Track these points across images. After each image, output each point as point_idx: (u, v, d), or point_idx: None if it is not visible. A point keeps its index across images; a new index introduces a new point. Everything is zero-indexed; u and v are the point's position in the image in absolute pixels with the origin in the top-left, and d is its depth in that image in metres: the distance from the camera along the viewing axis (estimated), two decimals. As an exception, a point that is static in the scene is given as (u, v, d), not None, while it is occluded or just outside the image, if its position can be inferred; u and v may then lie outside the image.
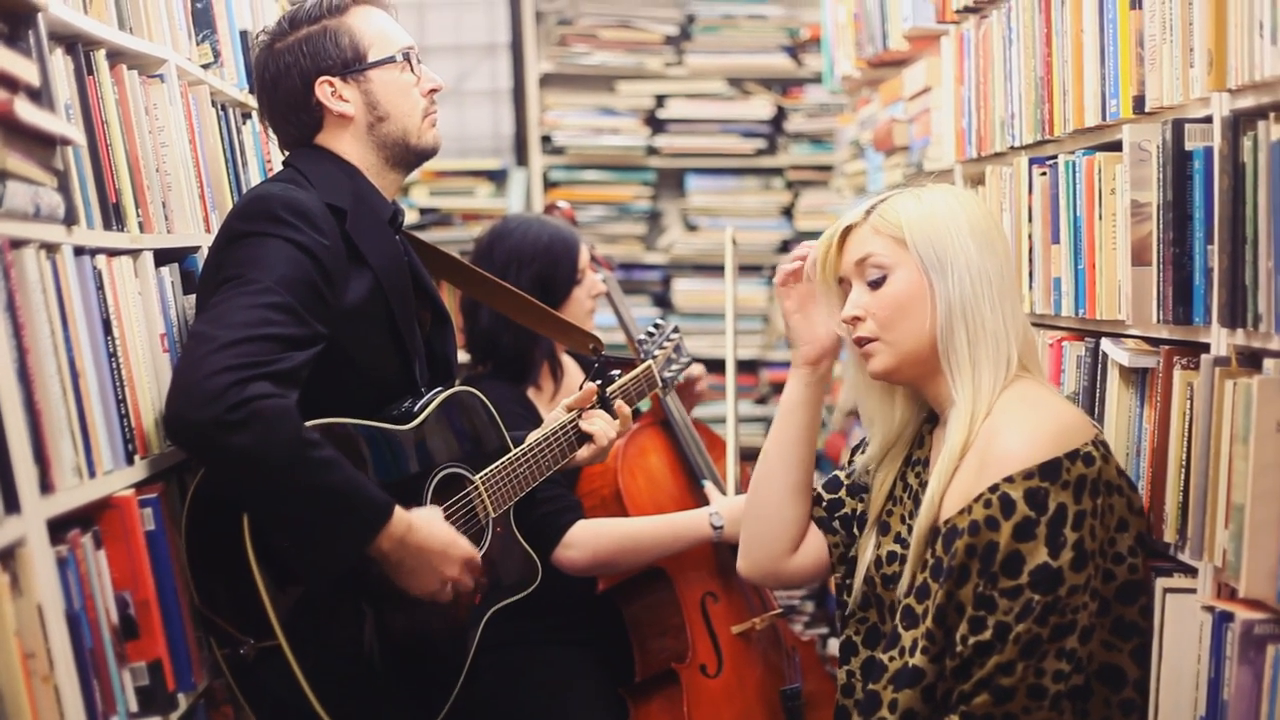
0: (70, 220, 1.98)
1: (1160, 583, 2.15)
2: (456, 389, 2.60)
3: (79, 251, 2.01)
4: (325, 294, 2.31)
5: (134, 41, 2.39)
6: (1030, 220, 2.72)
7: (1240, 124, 1.96)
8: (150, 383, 2.22)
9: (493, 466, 2.56)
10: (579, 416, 2.72)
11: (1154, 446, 2.24)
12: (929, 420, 2.38)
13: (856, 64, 4.37)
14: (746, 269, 5.38)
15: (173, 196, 2.47)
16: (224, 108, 2.87)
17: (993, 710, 2.10)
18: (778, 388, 5.23)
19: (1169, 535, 2.18)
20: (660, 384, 3.15)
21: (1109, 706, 2.18)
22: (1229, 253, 1.98)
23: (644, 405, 3.32)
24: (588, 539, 3.06)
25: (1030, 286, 2.72)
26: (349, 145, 2.51)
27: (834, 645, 3.82)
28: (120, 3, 2.37)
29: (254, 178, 3.02)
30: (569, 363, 3.47)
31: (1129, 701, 2.18)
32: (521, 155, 5.53)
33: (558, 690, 3.14)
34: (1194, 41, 2.09)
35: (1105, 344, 2.39)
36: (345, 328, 2.36)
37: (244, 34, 3.07)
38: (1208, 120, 2.08)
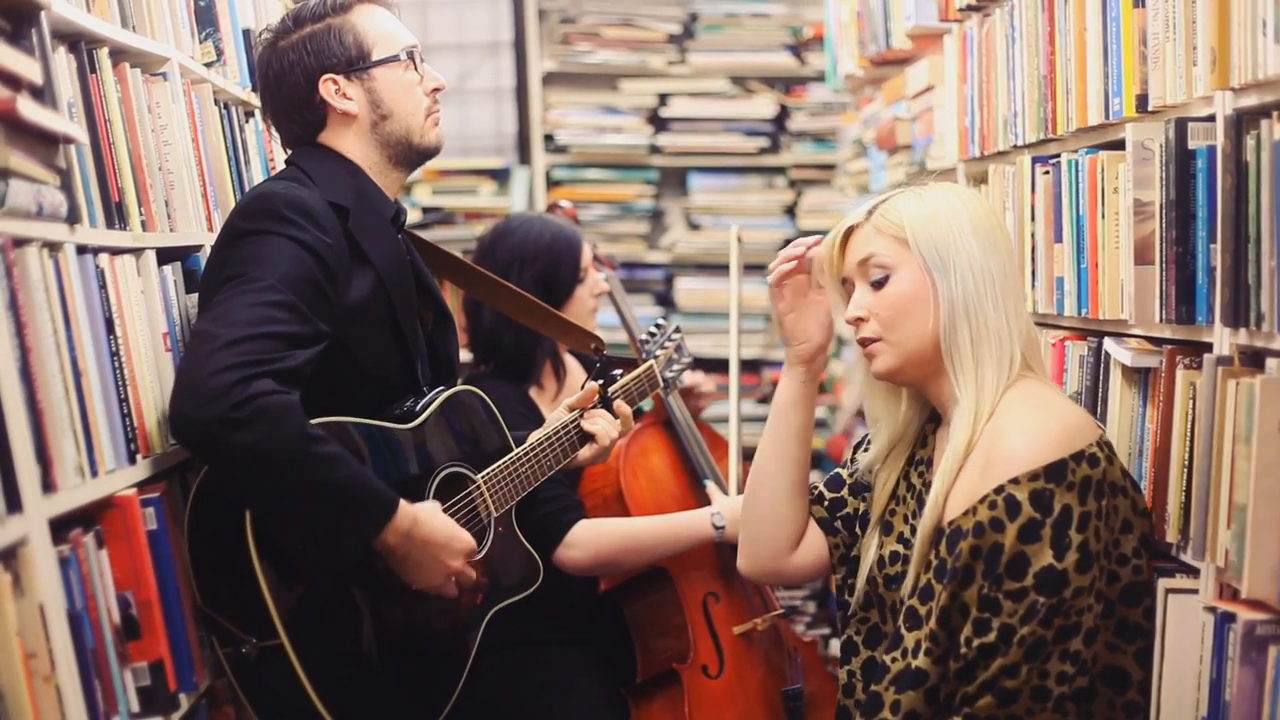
0: (73, 219, 1.98)
1: (1162, 583, 2.15)
2: (458, 388, 2.60)
3: (81, 250, 2.01)
4: (328, 292, 2.31)
5: (137, 40, 2.39)
6: (1033, 219, 2.72)
7: (1243, 123, 1.96)
8: (153, 382, 2.22)
9: (494, 466, 2.56)
10: (581, 416, 2.72)
11: (1156, 446, 2.23)
12: (932, 420, 2.38)
13: (859, 62, 4.37)
14: (749, 268, 5.35)
15: (175, 195, 2.47)
16: (227, 106, 2.87)
17: (996, 712, 2.10)
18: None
19: (1171, 535, 2.18)
20: (662, 384, 3.15)
21: (1113, 708, 2.18)
22: (1232, 252, 1.97)
23: (646, 405, 3.32)
24: (589, 539, 3.06)
25: (1033, 286, 2.72)
26: (352, 144, 2.51)
27: (836, 646, 3.82)
28: (123, 1, 2.37)
29: (256, 176, 3.02)
30: (571, 362, 3.47)
31: (1133, 703, 2.17)
32: (524, 154, 5.53)
33: (559, 690, 3.14)
34: (1197, 40, 2.09)
35: (1108, 343, 2.39)
36: (348, 326, 2.36)
37: (247, 32, 3.07)
38: (1211, 119, 2.08)
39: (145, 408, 2.18)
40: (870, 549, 2.39)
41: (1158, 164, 2.20)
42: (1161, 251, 2.20)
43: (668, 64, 5.46)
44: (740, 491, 3.26)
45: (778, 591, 3.46)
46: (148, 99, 2.40)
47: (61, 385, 1.87)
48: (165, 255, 2.39)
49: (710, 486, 3.28)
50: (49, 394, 1.82)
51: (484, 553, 2.50)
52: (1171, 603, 2.12)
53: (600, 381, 2.78)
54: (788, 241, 5.30)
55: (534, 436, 2.67)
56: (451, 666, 2.47)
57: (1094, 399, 2.44)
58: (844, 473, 2.50)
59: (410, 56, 2.52)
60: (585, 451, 2.73)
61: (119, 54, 2.32)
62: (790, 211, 5.55)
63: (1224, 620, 1.95)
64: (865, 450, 2.46)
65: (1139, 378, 2.31)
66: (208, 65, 2.81)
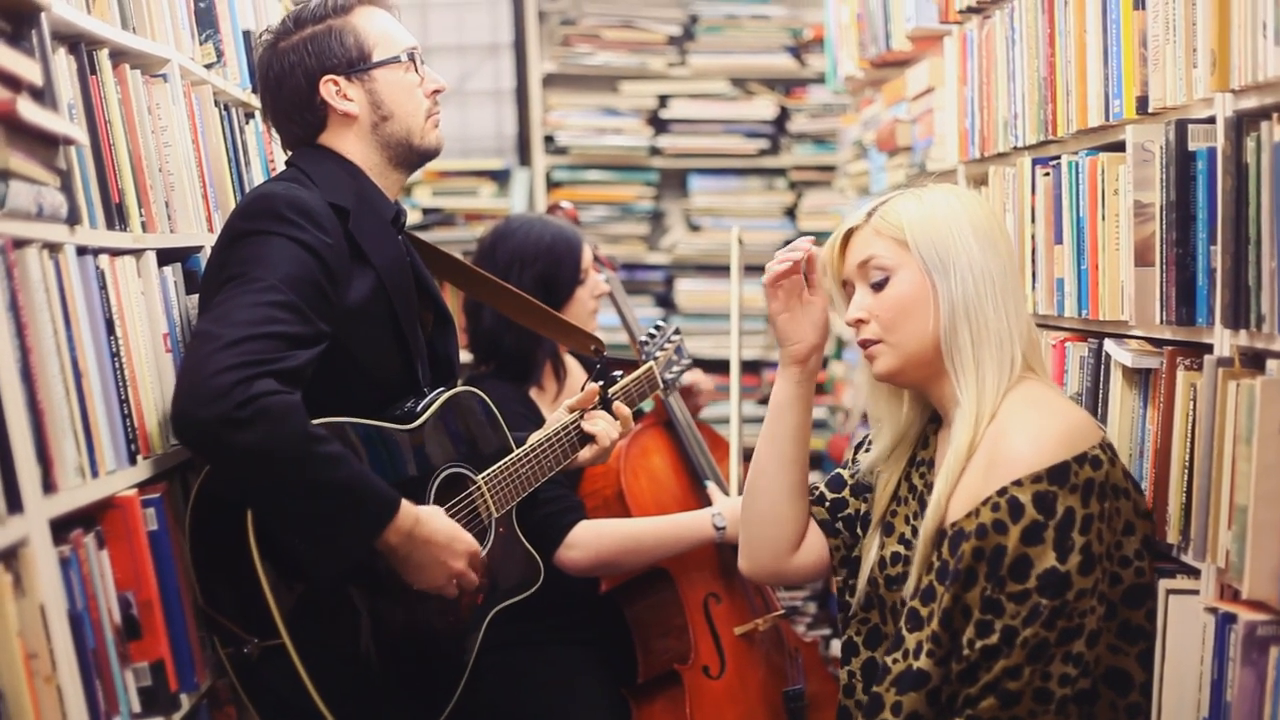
0: (73, 220, 1.98)
1: (1163, 584, 2.15)
2: (459, 389, 2.60)
3: (82, 251, 2.01)
4: (329, 293, 2.31)
5: (137, 41, 2.39)
6: (1033, 221, 2.72)
7: (1243, 125, 1.96)
8: (153, 383, 2.22)
9: (495, 467, 2.57)
10: (581, 417, 2.72)
11: (1157, 447, 2.23)
12: (933, 421, 2.38)
13: (859, 64, 4.37)
14: (750, 269, 5.35)
15: (175, 196, 2.47)
16: (227, 107, 2.88)
17: (999, 714, 2.10)
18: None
19: (1172, 536, 2.18)
20: (662, 385, 3.15)
21: (1115, 710, 2.18)
22: (1232, 253, 1.97)
23: (646, 406, 3.32)
24: (590, 539, 3.06)
25: (1033, 287, 2.72)
26: (352, 145, 2.51)
27: (837, 646, 3.82)
28: (123, 2, 2.37)
29: (257, 177, 3.02)
30: (572, 363, 3.47)
31: (1135, 705, 2.17)
32: (524, 155, 5.53)
33: (560, 691, 3.14)
34: (1197, 42, 2.09)
35: (1108, 345, 2.39)
36: (348, 327, 2.36)
37: (247, 34, 3.07)
38: (1211, 121, 2.08)
39: (146, 408, 2.18)
40: (871, 550, 2.39)
41: (1158, 166, 2.20)
42: (1162, 253, 2.20)
43: (668, 66, 5.46)
44: (741, 492, 3.26)
45: (779, 592, 3.46)
46: (148, 100, 2.40)
47: (62, 386, 1.87)
48: (165, 256, 2.39)
49: (711, 487, 3.28)
50: (49, 394, 1.82)
51: (484, 553, 2.50)
52: (1172, 604, 2.12)
53: (600, 383, 2.78)
54: (788, 243, 5.33)
55: (534, 437, 2.67)
56: (452, 667, 2.47)
57: (1094, 400, 2.44)
58: (845, 473, 2.49)
59: (411, 58, 2.53)
60: (586, 452, 2.73)
61: (119, 55, 2.32)
62: (790, 213, 5.55)
63: (1225, 621, 1.95)
64: (866, 451, 2.46)
65: (1139, 379, 2.31)
66: (208, 67, 2.81)
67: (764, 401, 5.47)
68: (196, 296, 2.44)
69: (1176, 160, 2.13)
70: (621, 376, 2.90)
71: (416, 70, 2.53)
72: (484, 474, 2.54)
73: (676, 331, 3.32)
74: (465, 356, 3.31)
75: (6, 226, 1.77)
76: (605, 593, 3.22)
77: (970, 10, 3.12)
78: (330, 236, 2.34)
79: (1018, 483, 2.10)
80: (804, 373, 2.43)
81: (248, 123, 3.04)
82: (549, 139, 5.47)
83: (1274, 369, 1.90)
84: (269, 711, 2.29)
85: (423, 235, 2.82)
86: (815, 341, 2.42)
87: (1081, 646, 2.09)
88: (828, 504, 2.47)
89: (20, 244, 1.80)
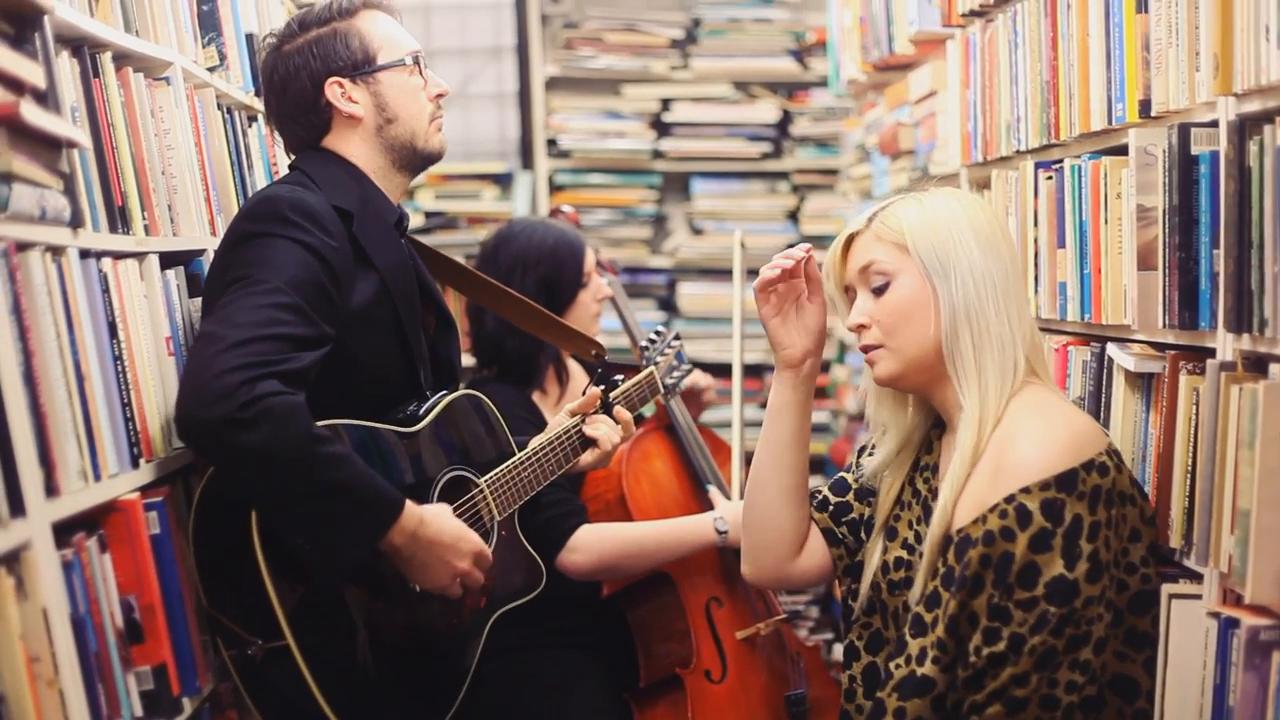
0: (76, 223, 1.98)
1: (1166, 588, 2.15)
2: (461, 392, 2.61)
3: (84, 254, 2.01)
4: (333, 295, 2.32)
5: (140, 44, 2.39)
6: (1036, 224, 2.72)
7: (1246, 128, 1.96)
8: (156, 386, 2.22)
9: (498, 470, 2.57)
10: (583, 421, 2.72)
11: (1159, 452, 2.23)
12: (937, 426, 2.37)
13: (862, 68, 4.37)
14: (752, 273, 5.34)
15: (178, 199, 2.47)
16: (230, 110, 2.88)
17: (1004, 720, 2.10)
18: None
19: (1175, 541, 2.18)
20: (662, 390, 3.14)
21: (1122, 717, 2.17)
22: (1235, 257, 1.97)
23: (648, 410, 3.31)
24: (592, 543, 3.06)
25: (1036, 291, 2.72)
26: (357, 147, 2.51)
27: (839, 650, 3.82)
28: (126, 5, 2.37)
29: (259, 181, 3.02)
30: (574, 367, 3.47)
31: (1142, 712, 2.17)
32: (527, 159, 5.53)
33: (562, 694, 3.13)
34: (1200, 45, 2.09)
35: (1111, 349, 2.38)
36: (351, 330, 2.36)
37: (250, 37, 3.07)
38: (1213, 124, 2.08)
39: (148, 412, 2.18)
40: (874, 554, 2.38)
41: (1161, 169, 2.20)
42: (1164, 257, 2.20)
43: (670, 69, 5.46)
44: (743, 496, 3.26)
45: (780, 596, 3.45)
46: (151, 103, 2.40)
47: (64, 389, 1.87)
48: (168, 259, 2.39)
49: (713, 491, 3.28)
50: (52, 398, 1.82)
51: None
52: (1175, 608, 2.12)
53: (602, 387, 2.78)
54: (789, 247, 5.33)
55: (536, 441, 2.67)
56: (455, 670, 2.47)
57: (1097, 404, 2.44)
58: (849, 477, 2.49)
59: (415, 61, 2.54)
60: (587, 456, 2.73)
61: (122, 58, 2.32)
62: (793, 216, 5.55)
63: (1227, 626, 1.95)
64: (870, 455, 2.46)
65: (1142, 383, 2.31)
66: (211, 70, 2.81)
67: (766, 405, 5.47)
68: (199, 300, 2.44)
69: (1179, 164, 2.13)
70: (623, 381, 2.90)
71: (421, 74, 2.54)
72: (486, 477, 2.54)
73: (677, 337, 3.32)
74: (468, 360, 3.31)
75: (9, 229, 1.77)
76: (607, 597, 3.22)
77: (973, 14, 3.12)
78: (334, 239, 2.35)
79: (1026, 490, 2.09)
80: (799, 377, 2.43)
81: (250, 126, 3.04)
82: (551, 142, 5.47)
83: (1276, 373, 1.90)
84: (272, 714, 2.29)
85: (425, 238, 2.83)
86: (808, 347, 2.42)
87: (1089, 654, 2.09)
88: (831, 508, 2.47)
89: (23, 247, 1.80)
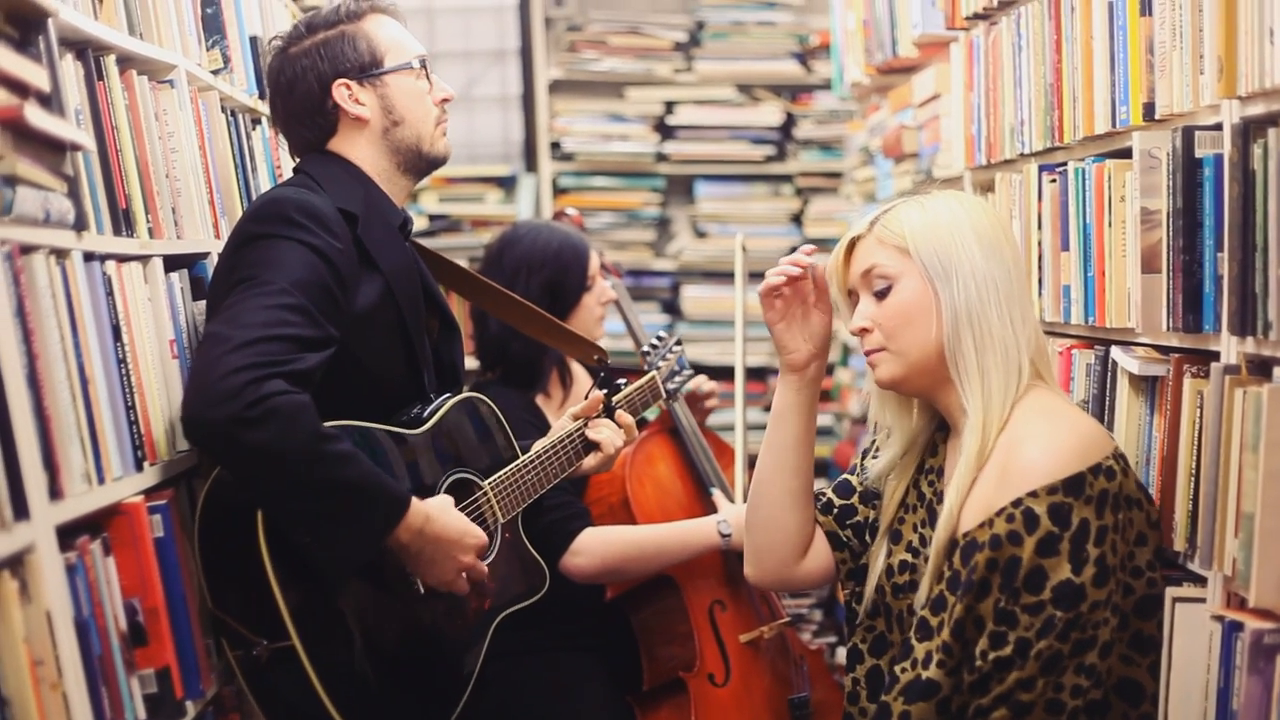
0: (80, 226, 1.98)
1: (1170, 592, 2.14)
2: (465, 395, 2.61)
3: (89, 257, 2.01)
4: (338, 297, 2.32)
5: (144, 47, 2.39)
6: (1040, 227, 2.71)
7: (1250, 131, 1.96)
8: (160, 389, 2.22)
9: (501, 473, 2.57)
10: (585, 425, 2.72)
11: (1163, 455, 2.23)
12: (941, 429, 2.37)
13: (866, 70, 4.37)
14: (755, 276, 5.35)
15: (182, 202, 2.47)
16: (234, 113, 2.88)
17: (1010, 725, 2.09)
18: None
19: (1179, 544, 2.18)
20: (664, 395, 3.14)
21: (1127, 721, 2.18)
22: (1239, 260, 1.97)
23: (651, 413, 3.31)
24: (596, 546, 3.06)
25: (1040, 294, 2.72)
26: (363, 150, 2.52)
27: (842, 654, 3.82)
28: (130, 8, 2.37)
29: (263, 184, 3.02)
30: (578, 370, 3.47)
31: (1147, 716, 2.16)
32: (531, 161, 5.54)
33: (565, 697, 3.13)
34: (1204, 48, 2.09)
35: (1115, 352, 2.38)
36: (356, 332, 2.37)
37: (254, 40, 3.08)
38: (1218, 127, 2.08)
39: (152, 415, 2.18)
40: (879, 558, 2.38)
41: (1165, 172, 2.20)
42: (1168, 260, 2.19)
43: (674, 72, 5.47)
44: (746, 499, 3.26)
45: (784, 599, 3.45)
46: (155, 106, 2.40)
47: (68, 392, 1.87)
48: (172, 262, 2.39)
49: (716, 494, 3.28)
50: (56, 401, 1.82)
51: (491, 559, 2.50)
52: (1179, 612, 2.12)
53: (605, 391, 2.78)
54: (793, 249, 5.33)
55: (539, 445, 2.67)
56: (459, 673, 2.47)
57: (1101, 407, 2.44)
58: (853, 479, 2.49)
59: (422, 65, 2.55)
60: (590, 460, 2.73)
61: (126, 61, 2.32)
62: (797, 219, 5.55)
63: (1231, 629, 1.95)
64: (874, 457, 2.45)
65: (1146, 386, 2.31)
66: (215, 73, 2.81)
67: (769, 408, 5.46)
68: (203, 303, 2.45)
69: (1183, 167, 2.13)
70: (625, 385, 2.90)
71: (427, 78, 2.55)
72: (490, 480, 2.55)
73: (678, 342, 3.32)
74: (471, 363, 3.31)
75: (13, 232, 1.77)
76: (611, 599, 3.22)
77: (976, 16, 3.12)
78: (340, 241, 2.35)
79: (1033, 494, 2.09)
80: (803, 381, 2.43)
81: (254, 129, 3.04)
82: (555, 145, 5.48)
83: (1281, 376, 1.90)
84: (277, 715, 2.29)
85: (429, 241, 2.83)
86: (813, 351, 2.42)
87: (1094, 658, 2.09)
88: (835, 511, 2.47)
89: (27, 250, 1.80)
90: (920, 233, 2.23)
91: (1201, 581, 2.12)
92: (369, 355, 2.42)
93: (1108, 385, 2.42)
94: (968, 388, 2.21)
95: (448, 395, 2.56)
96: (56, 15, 1.98)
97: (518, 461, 2.61)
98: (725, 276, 5.40)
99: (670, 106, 5.48)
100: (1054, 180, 2.63)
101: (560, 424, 2.75)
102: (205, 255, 2.55)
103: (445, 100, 2.58)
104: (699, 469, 3.33)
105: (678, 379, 3.23)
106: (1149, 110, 2.28)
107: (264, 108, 3.00)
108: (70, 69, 2.07)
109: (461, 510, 2.44)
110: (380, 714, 2.31)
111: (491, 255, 3.41)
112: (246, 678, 2.26)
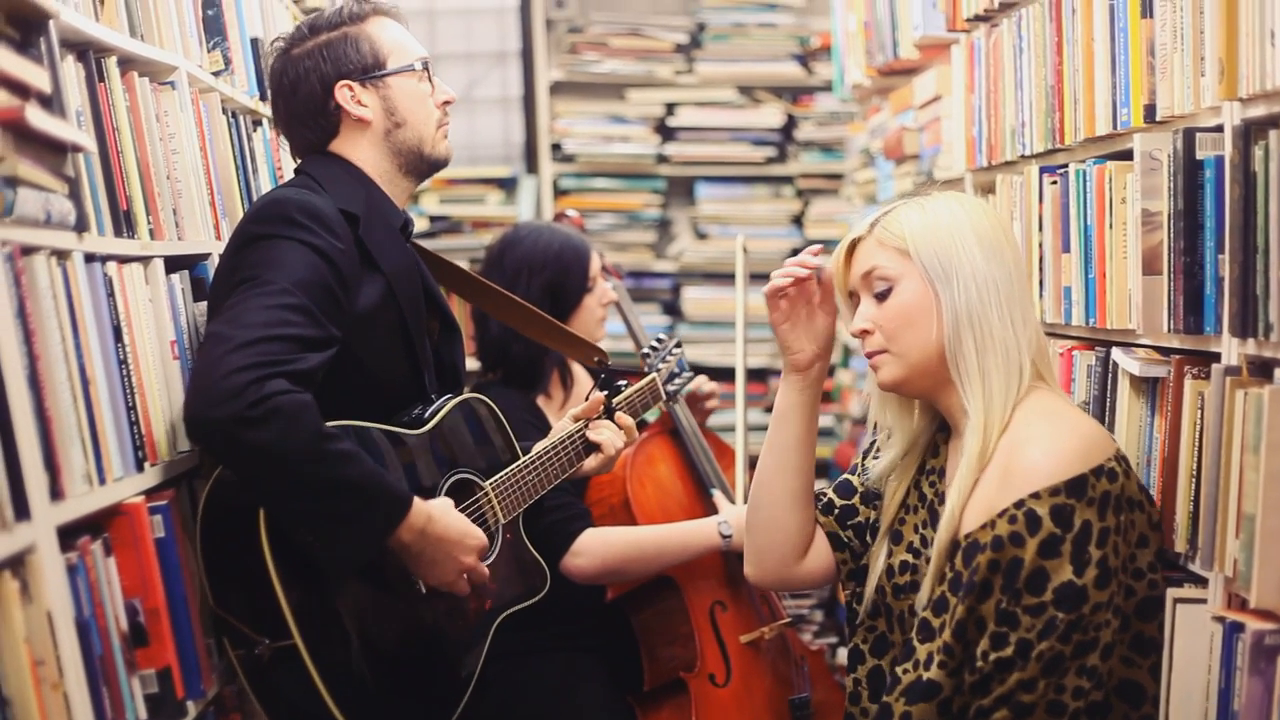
0: (81, 227, 1.98)
1: (1171, 593, 2.14)
2: (466, 395, 2.61)
3: (90, 258, 2.01)
4: (340, 297, 2.32)
5: (145, 49, 2.39)
6: (1041, 229, 2.71)
7: (1251, 133, 1.96)
8: (160, 390, 2.22)
9: (502, 473, 2.57)
10: (586, 426, 2.72)
11: (1164, 456, 2.23)
12: (942, 429, 2.37)
13: (867, 72, 4.37)
14: (755, 277, 5.35)
15: (183, 203, 2.48)
16: (235, 115, 2.88)
17: (1011, 726, 2.09)
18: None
19: (1179, 545, 2.18)
20: (664, 398, 3.14)
21: (1128, 722, 2.18)
22: (1240, 262, 1.97)
23: (651, 414, 3.31)
24: (596, 547, 3.07)
25: (1041, 295, 2.72)
26: (365, 151, 2.52)
27: (843, 654, 3.82)
28: (131, 10, 2.37)
29: (264, 185, 3.02)
30: (579, 371, 3.47)
31: (1148, 717, 2.16)
32: (531, 163, 5.54)
33: (566, 698, 3.14)
34: (1205, 50, 2.09)
35: (1116, 353, 2.38)
36: (357, 332, 2.37)
37: (255, 41, 3.08)
38: (1219, 129, 2.08)
39: (153, 415, 2.18)
40: (879, 558, 2.38)
41: (1166, 174, 2.20)
42: (1169, 261, 2.19)
43: (675, 73, 5.47)
44: (747, 500, 3.26)
45: (785, 600, 3.46)
46: (156, 108, 2.41)
47: (69, 393, 1.87)
48: (173, 264, 2.39)
49: (717, 495, 3.28)
50: (57, 402, 1.82)
51: (492, 559, 2.50)
52: (1180, 612, 2.12)
53: (605, 392, 2.78)
54: (794, 251, 5.32)
55: (540, 446, 2.67)
56: (460, 673, 2.47)
57: (1102, 409, 2.44)
58: (854, 479, 2.49)
59: (424, 68, 2.55)
60: (591, 461, 2.73)
61: (127, 63, 2.33)
62: (797, 221, 5.55)
63: (1232, 630, 1.95)
64: (874, 457, 2.45)
65: (1147, 387, 2.31)
66: (216, 74, 2.81)
67: (770, 409, 5.44)
68: (204, 304, 2.45)
69: (1184, 169, 2.13)
70: (626, 386, 2.90)
71: (429, 80, 2.56)
72: (491, 480, 2.55)
73: (678, 345, 3.32)
74: (472, 364, 3.31)
75: (15, 233, 1.77)
76: (611, 600, 3.22)
77: (977, 18, 3.12)
78: (341, 242, 2.36)
79: (1035, 495, 2.09)
80: (806, 380, 2.43)
81: (255, 130, 3.04)
82: (556, 147, 5.48)
83: (1282, 378, 1.90)
84: (279, 714, 2.29)
85: (429, 242, 2.84)
86: (817, 351, 2.42)
87: (1096, 659, 2.09)
88: (836, 512, 2.47)
89: (28, 251, 1.80)
90: (920, 234, 2.23)
91: (1202, 582, 2.12)
92: (370, 356, 2.42)
93: (1109, 386, 2.42)
94: (969, 389, 2.21)
95: (449, 396, 2.57)
96: (58, 17, 1.98)
97: (519, 462, 2.61)
98: (726, 278, 5.40)
99: (671, 108, 5.48)
100: (1055, 182, 2.63)
101: (561, 425, 2.75)
102: (206, 256, 2.55)
103: (447, 103, 2.59)
104: (700, 470, 3.33)
105: (677, 381, 3.23)
106: (1150, 112, 2.28)
107: (265, 109, 3.01)
108: (71, 70, 2.07)
109: (462, 510, 2.44)
110: (381, 713, 2.31)
111: (492, 257, 3.41)
112: (248, 677, 2.26)
